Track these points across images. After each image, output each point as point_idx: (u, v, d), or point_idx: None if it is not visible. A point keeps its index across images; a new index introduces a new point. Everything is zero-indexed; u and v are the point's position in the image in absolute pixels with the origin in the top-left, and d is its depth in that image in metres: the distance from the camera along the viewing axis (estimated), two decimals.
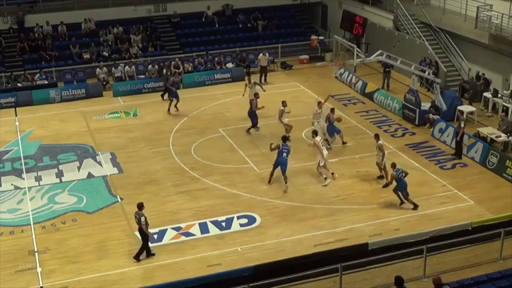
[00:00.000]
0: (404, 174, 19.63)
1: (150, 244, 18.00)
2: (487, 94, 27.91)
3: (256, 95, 25.78)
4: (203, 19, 37.75)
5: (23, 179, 22.44)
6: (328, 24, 39.83)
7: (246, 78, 27.96)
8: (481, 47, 29.04)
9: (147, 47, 35.35)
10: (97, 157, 24.02)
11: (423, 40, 31.51)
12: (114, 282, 16.67)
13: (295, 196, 20.81)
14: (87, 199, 20.88)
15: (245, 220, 19.46)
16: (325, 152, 21.59)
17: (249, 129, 25.68)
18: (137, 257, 17.42)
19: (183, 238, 18.62)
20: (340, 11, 38.22)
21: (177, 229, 19.00)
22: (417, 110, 26.26)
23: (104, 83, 31.65)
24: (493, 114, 27.19)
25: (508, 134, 23.82)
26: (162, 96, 29.91)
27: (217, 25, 37.48)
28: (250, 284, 14.90)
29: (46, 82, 31.26)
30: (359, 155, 23.52)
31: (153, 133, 26.22)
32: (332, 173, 21.88)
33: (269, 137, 25.09)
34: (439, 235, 17.76)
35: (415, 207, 19.78)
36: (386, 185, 20.90)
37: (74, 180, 22.26)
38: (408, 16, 32.90)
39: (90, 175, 22.60)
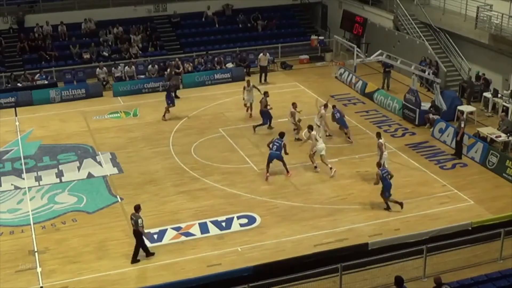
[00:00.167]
0: (390, 176, 19.59)
1: (150, 244, 18.02)
2: (487, 94, 27.91)
3: (266, 94, 25.81)
4: (203, 19, 37.75)
5: (23, 179, 22.43)
6: (328, 24, 39.83)
7: (246, 80, 27.77)
8: (481, 47, 29.04)
9: (147, 47, 35.36)
10: (97, 157, 24.02)
11: (423, 40, 31.51)
12: (114, 282, 16.67)
13: (295, 196, 20.81)
14: (87, 199, 20.88)
15: (245, 220, 19.45)
16: (321, 145, 21.92)
17: (257, 126, 25.59)
18: (134, 261, 17.38)
19: (183, 238, 18.62)
20: (340, 11, 38.23)
21: (177, 229, 19.00)
22: (417, 110, 26.26)
23: (104, 83, 31.65)
24: (493, 114, 27.19)
25: (508, 134, 23.82)
26: (176, 95, 29.97)
27: (217, 25, 37.48)
28: (250, 284, 14.90)
29: (46, 82, 31.26)
30: (359, 155, 23.51)
31: (153, 133, 26.22)
32: (315, 167, 22.27)
33: (269, 137, 25.08)
34: (439, 235, 17.75)
35: (388, 208, 19.68)
36: None
37: (74, 180, 22.26)
38: (408, 16, 32.91)
39: (90, 175, 22.60)
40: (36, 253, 17.88)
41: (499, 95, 27.35)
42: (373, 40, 34.39)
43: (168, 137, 25.68)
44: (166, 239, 18.51)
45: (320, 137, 22.32)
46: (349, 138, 24.87)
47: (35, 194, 21.32)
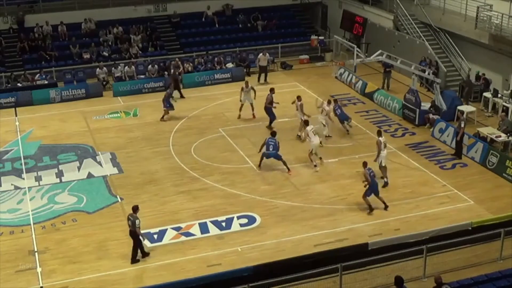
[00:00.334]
0: (374, 174, 19.57)
1: (150, 244, 18.05)
2: (487, 94, 27.91)
3: (272, 90, 25.86)
4: (203, 19, 37.76)
5: (23, 179, 22.43)
6: (328, 24, 39.84)
7: (245, 81, 27.65)
8: (481, 47, 29.05)
9: (147, 47, 35.37)
10: (97, 157, 24.02)
11: (423, 40, 31.51)
12: (114, 282, 16.67)
13: (295, 196, 20.81)
14: (87, 199, 20.88)
15: (245, 220, 19.45)
16: (316, 141, 22.08)
17: (270, 124, 25.66)
18: (134, 261, 17.37)
19: (183, 238, 18.62)
20: (340, 11, 38.23)
21: (177, 229, 19.00)
22: (417, 110, 26.26)
23: (104, 83, 31.65)
24: (493, 114, 27.19)
25: (508, 134, 23.81)
26: (181, 95, 29.97)
27: (217, 25, 37.49)
28: (250, 284, 14.90)
29: (46, 82, 31.26)
30: (359, 155, 23.49)
31: (153, 133, 26.22)
32: (315, 165, 22.44)
33: None
34: (439, 235, 17.75)
35: (371, 210, 19.60)
36: (386, 184, 21.13)
37: (74, 180, 22.25)
38: (408, 16, 32.91)
39: (90, 175, 22.60)
40: (36, 253, 17.88)
41: (499, 95, 27.35)
42: (373, 40, 34.39)
43: (168, 137, 25.68)
44: (166, 239, 18.51)
45: (315, 134, 22.44)
46: (348, 128, 25.44)
47: (35, 194, 21.32)
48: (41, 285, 16.58)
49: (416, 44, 31.73)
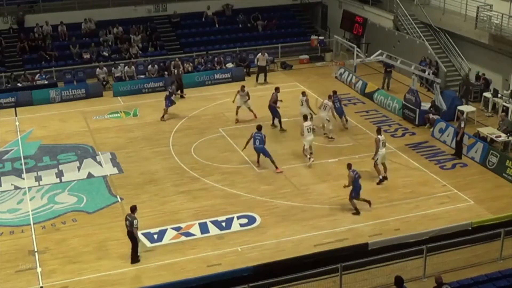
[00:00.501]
0: (359, 176, 19.52)
1: (150, 244, 18.05)
2: (487, 94, 27.92)
3: (277, 89, 25.89)
4: (203, 19, 37.76)
5: (23, 179, 22.43)
6: (328, 24, 39.84)
7: (241, 86, 27.47)
8: (481, 47, 29.05)
9: (147, 47, 35.37)
10: (97, 157, 24.02)
11: (423, 40, 31.51)
12: (114, 282, 16.68)
13: (295, 196, 20.81)
14: (87, 199, 20.88)
15: (245, 220, 19.45)
16: (310, 137, 22.56)
17: (280, 126, 25.73)
18: (134, 261, 17.35)
19: (183, 238, 18.62)
20: (340, 11, 38.23)
21: (177, 229, 19.00)
22: (417, 110, 26.26)
23: (104, 83, 31.65)
24: (493, 114, 27.19)
25: (508, 134, 23.82)
26: (182, 95, 29.97)
27: (217, 25, 37.48)
28: (250, 284, 14.90)
29: (46, 82, 31.26)
30: (359, 155, 23.50)
31: (153, 133, 26.22)
32: (309, 158, 22.89)
33: (270, 137, 25.11)
34: (439, 235, 17.75)
35: (357, 212, 19.59)
36: (381, 181, 21.32)
37: (74, 180, 22.25)
38: (408, 16, 32.91)
39: (90, 175, 22.60)
40: (36, 253, 17.88)
41: (499, 95, 27.35)
42: (373, 40, 34.38)
43: (168, 137, 25.68)
44: (166, 239, 18.51)
45: (309, 131, 22.69)
46: (345, 123, 25.94)
47: (35, 194, 21.32)
48: (41, 285, 16.58)
49: (416, 44, 31.74)
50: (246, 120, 26.82)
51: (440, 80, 27.73)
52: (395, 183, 21.60)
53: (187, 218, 19.57)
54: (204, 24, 37.72)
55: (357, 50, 28.60)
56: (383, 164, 21.67)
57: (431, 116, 26.12)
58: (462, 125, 23.10)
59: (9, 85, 31.14)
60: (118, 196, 21.00)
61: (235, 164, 23.15)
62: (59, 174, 22.70)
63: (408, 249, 16.64)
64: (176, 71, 31.07)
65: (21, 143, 25.43)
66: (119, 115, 28.45)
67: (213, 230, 18.97)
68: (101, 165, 23.40)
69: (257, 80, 32.11)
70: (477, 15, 28.29)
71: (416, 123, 26.34)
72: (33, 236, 18.82)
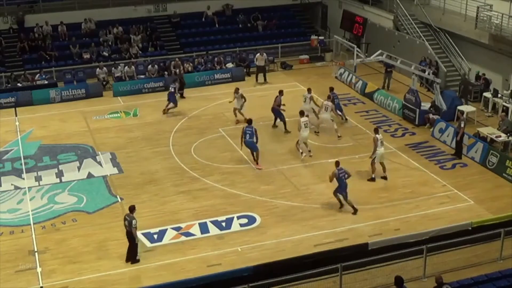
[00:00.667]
0: (346, 176, 19.47)
1: (150, 244, 18.04)
2: (487, 94, 27.92)
3: (281, 93, 25.90)
4: (203, 19, 37.76)
5: (23, 179, 22.43)
6: (328, 24, 39.84)
7: (235, 88, 27.48)
8: (481, 47, 29.05)
9: (147, 47, 35.37)
10: (97, 157, 24.02)
11: (423, 40, 31.52)
12: (114, 282, 16.67)
13: (295, 196, 20.81)
14: (87, 199, 20.88)
15: (245, 220, 19.45)
16: (305, 133, 22.83)
17: (285, 128, 25.69)
18: (134, 261, 17.35)
19: (183, 238, 18.62)
20: (340, 11, 38.23)
21: (177, 229, 19.00)
22: (417, 110, 26.26)
23: (104, 83, 31.65)
24: (493, 114, 27.19)
25: (508, 134, 23.81)
26: (182, 94, 30.00)
27: (217, 25, 37.49)
28: (250, 284, 14.89)
29: (46, 82, 31.26)
30: (359, 155, 23.51)
31: (153, 133, 26.22)
32: (309, 150, 23.32)
33: (270, 137, 25.19)
34: (439, 235, 17.75)
35: (355, 211, 19.57)
36: (372, 179, 21.46)
37: (74, 180, 22.25)
38: (408, 16, 32.91)
39: (90, 175, 22.60)
40: (36, 253, 17.88)
41: (499, 95, 27.35)
42: (373, 40, 34.39)
43: (168, 137, 25.68)
44: (166, 239, 18.50)
45: (306, 127, 23.00)
46: (343, 118, 26.49)
47: (35, 194, 21.32)
48: (41, 285, 16.58)
49: (416, 44, 31.74)
50: (245, 119, 26.76)
51: (440, 80, 27.73)
52: (395, 183, 21.60)
53: (187, 218, 19.57)
54: (204, 24, 37.72)
55: (357, 50, 28.59)
56: (382, 163, 21.69)
57: (431, 116, 26.12)
58: (462, 125, 23.10)
59: (9, 85, 31.14)
60: (118, 196, 20.99)
61: (235, 164, 23.14)
62: (59, 174, 22.70)
63: (408, 249, 16.63)
64: (177, 70, 31.09)
65: (21, 143, 25.43)
66: (119, 115, 28.45)
67: (213, 230, 18.96)
68: (101, 165, 23.39)
69: (256, 80, 32.14)
70: (477, 15, 28.30)
71: (416, 123, 26.34)
72: (33, 236, 18.82)
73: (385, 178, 21.66)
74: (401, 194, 20.86)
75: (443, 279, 14.35)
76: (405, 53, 30.02)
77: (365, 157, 23.13)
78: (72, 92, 30.48)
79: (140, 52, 34.87)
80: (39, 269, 17.20)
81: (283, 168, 22.52)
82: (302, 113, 23.34)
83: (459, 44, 30.74)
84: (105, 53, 34.29)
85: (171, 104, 27.94)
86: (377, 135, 21.49)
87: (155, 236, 18.57)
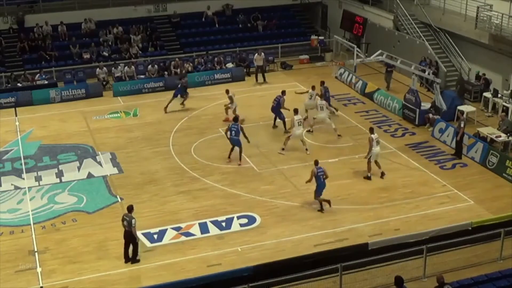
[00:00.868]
0: (324, 176, 19.45)
1: (150, 244, 18.04)
2: (487, 94, 27.92)
3: (284, 93, 25.89)
4: (203, 19, 37.76)
5: (23, 179, 22.43)
6: (328, 24, 39.84)
7: (225, 89, 27.52)
8: (481, 47, 29.05)
9: (147, 47, 35.36)
10: (97, 157, 24.02)
11: (423, 40, 31.52)
12: (114, 282, 16.67)
13: (295, 196, 20.80)
14: (87, 199, 20.88)
15: (245, 220, 19.45)
16: (298, 131, 23.23)
17: (285, 128, 25.63)
18: (134, 261, 17.36)
19: (183, 238, 18.62)
20: (340, 11, 38.23)
21: (177, 229, 19.00)
22: (417, 110, 26.26)
23: (104, 83, 31.65)
24: (493, 114, 27.19)
25: (508, 134, 23.82)
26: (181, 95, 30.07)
27: (217, 25, 37.48)
28: (250, 284, 14.89)
29: (46, 82, 31.26)
30: (359, 155, 23.47)
31: (153, 133, 26.22)
32: (306, 149, 23.55)
33: (269, 137, 25.19)
34: (439, 235, 17.74)
35: (321, 209, 19.66)
36: (368, 178, 21.54)
37: (74, 180, 22.25)
38: (408, 16, 32.91)
39: (90, 175, 22.60)
40: (36, 253, 17.88)
41: (499, 95, 27.35)
42: (373, 40, 34.38)
43: (168, 137, 25.68)
44: (166, 239, 18.50)
45: (299, 125, 23.24)
46: (334, 109, 26.85)
47: (35, 194, 21.32)
48: (41, 285, 16.58)
49: (416, 44, 31.74)
50: (245, 119, 26.81)
51: (440, 80, 27.73)
52: (395, 183, 21.61)
53: (187, 218, 19.57)
54: (204, 24, 37.72)
55: (357, 50, 28.62)
56: (376, 162, 21.73)
57: (431, 116, 26.11)
58: (462, 125, 23.10)
59: (9, 85, 31.13)
60: (118, 196, 20.99)
61: (235, 164, 23.14)
62: (59, 174, 22.70)
63: (408, 249, 16.63)
64: (179, 70, 31.07)
65: (21, 143, 25.42)
66: (119, 115, 28.45)
67: (213, 230, 18.96)
68: (101, 165, 23.39)
69: (256, 80, 32.14)
70: (477, 15, 28.29)
71: (416, 123, 26.34)
72: (33, 236, 18.82)
73: (383, 174, 21.73)
74: (401, 194, 20.86)
75: (445, 278, 14.35)
76: (405, 53, 30.02)
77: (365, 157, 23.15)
78: (72, 92, 30.47)
79: (140, 52, 34.87)
80: (39, 269, 17.20)
81: (283, 168, 22.52)
82: (296, 111, 23.47)
83: (459, 44, 30.74)
84: (105, 53, 34.29)
85: (184, 97, 28.29)
86: (372, 135, 21.52)
87: (155, 236, 18.57)
